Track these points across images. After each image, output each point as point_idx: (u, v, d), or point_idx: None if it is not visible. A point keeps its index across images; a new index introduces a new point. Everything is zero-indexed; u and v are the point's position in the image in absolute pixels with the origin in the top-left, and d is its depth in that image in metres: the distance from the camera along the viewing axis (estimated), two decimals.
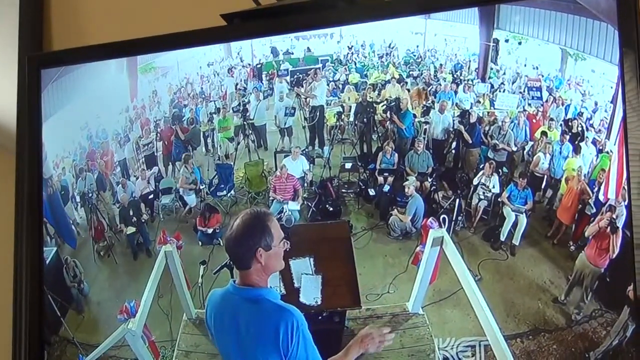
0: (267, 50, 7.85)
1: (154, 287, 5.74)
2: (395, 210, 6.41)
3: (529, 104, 6.68)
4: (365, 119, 7.14)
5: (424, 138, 6.94)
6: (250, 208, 3.68)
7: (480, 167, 6.43)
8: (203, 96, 7.96)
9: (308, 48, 7.58)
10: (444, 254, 5.46)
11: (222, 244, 6.64)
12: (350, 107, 7.52)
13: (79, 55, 5.79)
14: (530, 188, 6.07)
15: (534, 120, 6.55)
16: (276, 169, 7.03)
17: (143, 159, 7.51)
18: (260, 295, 3.40)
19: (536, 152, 6.24)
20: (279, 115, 7.67)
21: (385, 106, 7.09)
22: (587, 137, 5.78)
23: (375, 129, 7.17)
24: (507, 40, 6.78)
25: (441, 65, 7.78)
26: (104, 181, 6.97)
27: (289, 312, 3.39)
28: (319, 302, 5.42)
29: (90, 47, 5.67)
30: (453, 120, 6.99)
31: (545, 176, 6.14)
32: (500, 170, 6.37)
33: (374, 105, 7.22)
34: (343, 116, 7.45)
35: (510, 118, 6.61)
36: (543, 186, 6.18)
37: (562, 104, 6.40)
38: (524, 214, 5.96)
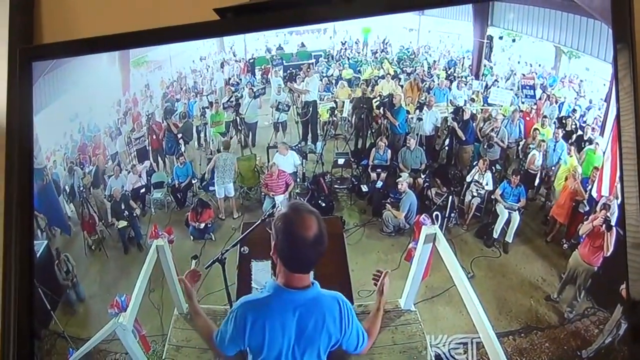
0: (261, 44, 7.84)
1: (145, 281, 5.71)
2: (389, 205, 6.40)
3: (522, 102, 6.67)
4: (362, 115, 7.13)
5: (417, 134, 6.93)
6: (302, 205, 3.55)
7: (474, 164, 6.42)
8: (196, 90, 7.95)
9: (302, 43, 7.56)
10: (436, 250, 5.43)
11: (214, 239, 6.65)
12: (344, 102, 7.51)
13: (71, 48, 5.76)
14: (524, 185, 6.07)
15: (528, 118, 6.54)
16: (268, 163, 7.02)
17: (135, 152, 7.49)
18: (316, 292, 3.42)
19: (530, 150, 6.22)
20: (274, 108, 7.65)
21: (378, 102, 7.08)
22: (589, 138, 5.77)
23: (371, 125, 7.16)
24: (501, 38, 6.78)
25: (435, 61, 7.78)
26: (99, 175, 6.94)
27: (340, 296, 3.54)
28: None
29: (82, 40, 5.64)
30: (446, 117, 6.99)
31: (538, 173, 6.13)
32: (493, 168, 6.37)
33: (371, 101, 7.20)
34: (336, 112, 7.45)
35: (503, 115, 6.61)
36: (536, 183, 6.17)
37: (556, 102, 6.40)
38: (517, 211, 5.95)
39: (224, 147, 7.24)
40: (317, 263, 3.36)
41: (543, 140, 6.10)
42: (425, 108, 7.07)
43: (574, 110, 6.12)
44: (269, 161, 7.10)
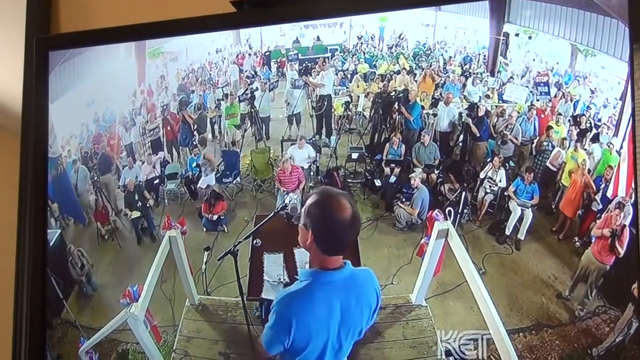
0: (277, 37, 7.86)
1: (158, 272, 5.72)
2: (399, 202, 6.41)
3: (537, 99, 6.66)
4: (381, 110, 7.14)
5: (432, 130, 6.93)
6: (332, 189, 3.53)
7: (488, 160, 6.42)
8: (211, 82, 7.97)
9: (317, 37, 7.58)
10: (448, 246, 5.44)
11: (226, 230, 6.67)
12: (359, 96, 7.53)
13: (88, 38, 5.76)
14: (540, 183, 6.07)
15: (543, 116, 6.54)
16: (282, 157, 7.04)
17: (149, 143, 7.52)
18: (351, 269, 3.36)
19: (553, 148, 6.21)
20: (290, 99, 7.67)
21: (393, 97, 7.08)
22: (604, 137, 5.77)
23: (387, 120, 7.16)
24: (517, 35, 6.78)
25: (450, 57, 7.78)
26: (109, 164, 6.97)
27: (371, 271, 3.53)
28: None
29: (99, 31, 5.63)
30: (460, 113, 6.99)
31: (558, 170, 6.12)
32: (507, 164, 6.36)
33: (390, 96, 7.21)
34: (351, 106, 7.46)
35: (518, 112, 6.61)
36: (557, 179, 6.14)
37: (571, 100, 6.39)
38: (530, 208, 5.95)
39: (200, 144, 7.28)
40: (351, 242, 3.30)
41: (565, 139, 6.09)
42: (442, 104, 7.08)
43: (589, 108, 6.12)
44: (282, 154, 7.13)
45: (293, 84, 7.66)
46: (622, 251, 4.70)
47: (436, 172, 6.54)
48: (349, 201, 3.20)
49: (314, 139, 7.27)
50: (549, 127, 6.32)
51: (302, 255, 5.56)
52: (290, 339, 3.28)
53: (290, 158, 6.86)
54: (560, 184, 6.00)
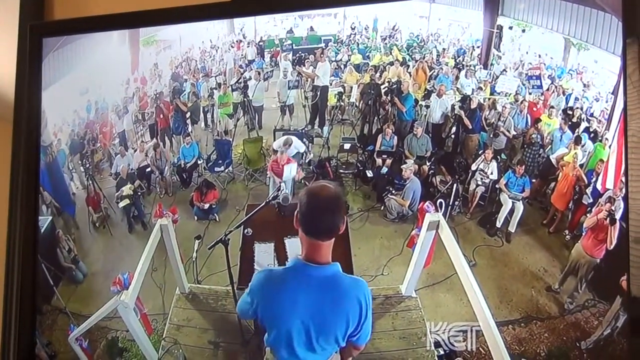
0: (270, 27, 7.86)
1: (148, 260, 5.70)
2: (391, 193, 6.42)
3: (530, 93, 6.68)
4: (370, 101, 7.13)
5: (425, 122, 6.94)
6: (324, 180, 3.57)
7: (480, 152, 6.44)
8: (204, 71, 7.97)
9: (311, 27, 7.58)
10: (439, 238, 5.44)
11: (218, 219, 6.68)
12: (352, 87, 7.53)
13: (82, 25, 5.74)
14: (539, 176, 6.09)
15: (535, 109, 6.55)
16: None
17: (147, 128, 7.51)
18: (335, 272, 3.34)
19: (543, 140, 6.24)
20: (282, 91, 7.66)
21: (386, 88, 7.08)
22: (594, 130, 5.80)
23: (379, 111, 7.17)
24: (511, 27, 6.80)
25: (444, 49, 7.79)
26: (79, 144, 6.97)
27: (363, 282, 3.43)
28: None
29: (93, 18, 5.62)
30: (452, 106, 6.99)
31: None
32: (499, 157, 6.38)
33: (380, 87, 7.21)
34: (344, 97, 7.45)
35: (511, 104, 6.62)
36: (557, 174, 6.15)
37: (563, 93, 6.41)
38: (521, 201, 5.97)
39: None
40: (335, 231, 3.26)
41: (580, 141, 6.10)
42: (434, 96, 7.08)
43: (580, 101, 6.14)
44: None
45: (288, 84, 7.66)
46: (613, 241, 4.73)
47: (428, 163, 6.55)
48: (334, 188, 3.23)
49: (306, 129, 7.28)
50: (538, 120, 6.35)
51: (293, 246, 5.57)
52: (254, 310, 3.40)
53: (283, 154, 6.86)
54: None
